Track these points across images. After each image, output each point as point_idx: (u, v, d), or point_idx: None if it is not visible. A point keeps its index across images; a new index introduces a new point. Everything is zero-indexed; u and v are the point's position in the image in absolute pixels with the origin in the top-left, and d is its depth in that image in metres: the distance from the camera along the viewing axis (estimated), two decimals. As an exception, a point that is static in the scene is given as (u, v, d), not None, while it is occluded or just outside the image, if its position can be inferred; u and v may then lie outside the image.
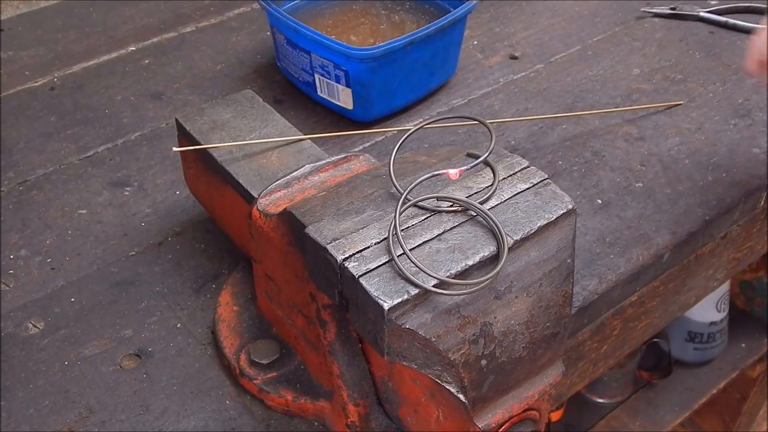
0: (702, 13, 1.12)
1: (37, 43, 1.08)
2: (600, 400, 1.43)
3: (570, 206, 0.60)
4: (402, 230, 0.56)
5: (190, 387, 0.68)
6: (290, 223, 0.60)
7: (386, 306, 0.52)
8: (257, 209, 0.65)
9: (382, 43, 0.89)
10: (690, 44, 1.08)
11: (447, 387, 0.55)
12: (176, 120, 0.75)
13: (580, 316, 0.75)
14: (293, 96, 0.98)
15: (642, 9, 1.14)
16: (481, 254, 0.56)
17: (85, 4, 1.16)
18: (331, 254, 0.55)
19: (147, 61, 1.05)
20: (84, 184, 0.87)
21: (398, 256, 0.54)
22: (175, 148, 0.74)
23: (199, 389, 0.68)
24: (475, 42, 1.08)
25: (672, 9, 1.13)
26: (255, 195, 0.67)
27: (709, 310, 1.43)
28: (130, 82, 1.01)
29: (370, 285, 0.53)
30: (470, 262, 0.55)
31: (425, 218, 0.57)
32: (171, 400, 0.67)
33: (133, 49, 1.07)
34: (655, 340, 1.40)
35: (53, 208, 0.84)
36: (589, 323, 0.77)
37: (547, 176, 0.62)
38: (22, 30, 1.11)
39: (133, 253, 0.79)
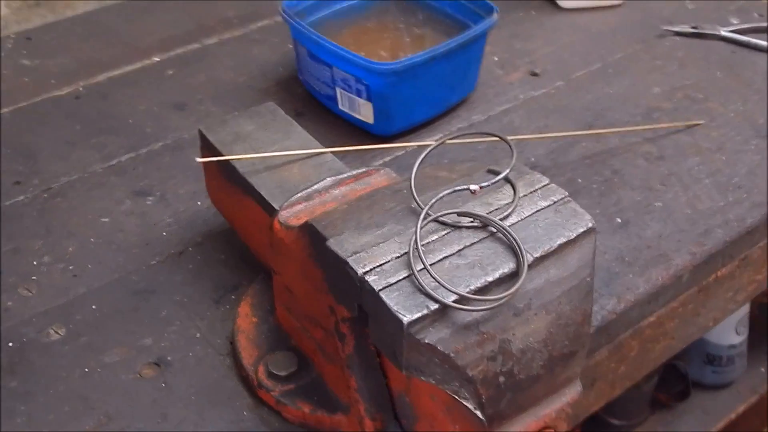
0: (723, 33, 1.12)
1: (63, 53, 1.09)
2: (617, 422, 1.41)
3: (590, 224, 0.60)
4: (422, 245, 0.56)
5: (209, 397, 0.68)
6: (311, 235, 0.60)
7: (405, 320, 0.52)
8: (278, 221, 0.65)
9: (403, 58, 0.90)
10: (711, 63, 1.08)
11: (464, 403, 0.55)
12: (199, 131, 0.76)
13: (598, 336, 0.75)
14: (314, 109, 0.99)
15: (663, 27, 1.14)
16: (501, 271, 0.56)
17: (111, 14, 1.17)
18: (351, 267, 0.55)
19: (170, 72, 1.06)
20: (107, 193, 0.88)
21: (418, 271, 0.54)
22: (198, 159, 0.74)
23: (217, 399, 0.68)
24: (496, 58, 1.08)
25: (693, 28, 1.13)
26: (276, 207, 0.67)
27: (728, 332, 1.42)
28: (153, 93, 1.02)
29: (389, 299, 0.53)
30: (490, 279, 0.55)
31: (445, 233, 0.58)
32: (189, 410, 0.67)
33: (157, 59, 1.08)
34: (674, 362, 1.39)
35: (76, 215, 0.85)
36: (606, 343, 0.77)
37: (567, 194, 0.62)
38: (48, 39, 1.12)
39: (154, 262, 0.80)
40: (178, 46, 1.10)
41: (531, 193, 0.62)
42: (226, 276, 0.79)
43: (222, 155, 0.73)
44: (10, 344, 0.72)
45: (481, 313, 0.55)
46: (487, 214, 0.59)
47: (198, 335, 0.73)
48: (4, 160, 0.92)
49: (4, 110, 0.99)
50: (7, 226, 0.84)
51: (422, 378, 0.55)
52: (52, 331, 0.73)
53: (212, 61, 1.08)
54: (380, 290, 0.54)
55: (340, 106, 0.95)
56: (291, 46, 1.03)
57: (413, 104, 0.93)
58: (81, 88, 1.03)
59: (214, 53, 1.09)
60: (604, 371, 0.80)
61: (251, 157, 0.72)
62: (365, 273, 0.55)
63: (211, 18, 1.16)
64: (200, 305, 0.76)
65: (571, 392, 0.62)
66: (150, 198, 0.87)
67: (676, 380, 1.43)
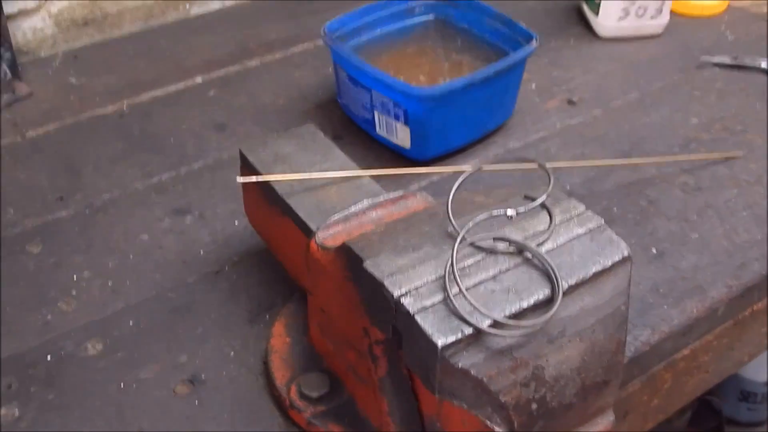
0: (763, 65, 1.11)
1: (109, 71, 1.12)
2: (648, 455, 1.40)
3: (626, 253, 0.60)
4: (458, 269, 0.56)
5: (241, 416, 0.69)
6: (347, 257, 0.61)
7: (440, 344, 0.53)
8: (315, 242, 0.66)
9: (442, 83, 0.91)
10: (750, 95, 1.07)
11: (496, 429, 0.55)
12: (240, 151, 0.77)
13: (631, 367, 0.74)
14: (352, 132, 1.00)
15: (702, 58, 1.13)
16: (536, 297, 0.56)
17: (156, 35, 1.20)
18: (387, 289, 0.56)
19: (212, 93, 1.08)
20: (147, 210, 0.89)
21: (454, 295, 0.55)
22: (239, 179, 0.76)
23: (249, 419, 0.69)
24: (533, 85, 1.09)
25: (733, 59, 1.12)
26: (313, 228, 0.68)
27: (764, 369, 1.40)
28: (195, 113, 1.04)
29: (424, 322, 0.54)
30: (525, 304, 0.55)
31: (481, 258, 0.58)
32: (221, 428, 0.68)
33: (200, 80, 1.10)
34: (708, 397, 1.37)
35: (117, 231, 0.87)
36: (640, 375, 0.77)
37: (603, 221, 0.62)
38: (95, 58, 1.15)
39: (191, 280, 0.81)
40: (221, 68, 1.13)
41: (567, 219, 0.62)
42: (261, 295, 0.79)
43: (261, 175, 0.74)
44: (49, 357, 0.73)
45: (516, 338, 0.55)
46: (523, 239, 0.59)
47: (232, 354, 0.74)
48: (48, 176, 0.94)
49: (50, 127, 1.02)
50: (50, 241, 0.85)
51: (455, 402, 0.55)
52: (89, 346, 0.74)
53: (253, 82, 1.10)
54: (415, 313, 0.54)
55: (378, 130, 0.96)
56: (331, 70, 1.04)
57: (450, 129, 0.94)
58: (125, 107, 1.05)
59: (256, 75, 1.11)
60: (637, 403, 0.79)
61: (290, 178, 0.73)
62: (401, 295, 0.55)
63: (253, 41, 1.18)
64: (235, 324, 0.77)
65: (604, 422, 0.61)
66: (189, 216, 0.89)
67: (710, 416, 1.41)
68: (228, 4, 1.28)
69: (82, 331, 0.76)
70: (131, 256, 0.84)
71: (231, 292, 0.80)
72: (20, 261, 0.83)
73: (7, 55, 1.06)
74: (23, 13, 1.12)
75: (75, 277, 0.81)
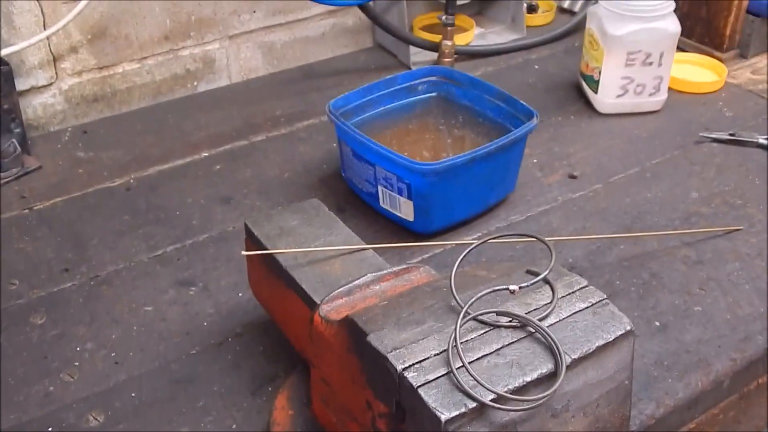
0: (761, 140, 1.13)
1: (117, 146, 1.14)
2: None
3: (628, 327, 0.60)
4: (461, 343, 0.57)
5: (242, 490, 0.68)
6: (351, 330, 0.61)
7: (443, 418, 0.52)
8: (319, 315, 0.66)
9: (445, 159, 0.92)
10: (749, 170, 1.08)
11: (501, 505, 0.54)
12: (245, 224, 0.78)
13: (636, 441, 0.73)
14: (355, 205, 1.01)
15: (701, 134, 1.15)
16: (539, 371, 0.56)
17: (164, 111, 1.23)
18: (391, 363, 0.56)
19: (218, 167, 1.10)
20: (152, 282, 0.90)
21: (457, 369, 0.55)
22: (243, 252, 0.76)
23: (250, 493, 0.68)
24: (535, 160, 1.11)
25: (731, 135, 1.14)
26: (317, 301, 0.68)
27: (771, 442, 1.38)
28: (201, 186, 1.06)
29: (428, 396, 0.54)
30: (528, 379, 0.56)
31: (484, 332, 0.58)
32: (222, 502, 0.67)
33: (206, 154, 1.12)
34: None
35: (121, 303, 0.87)
36: (645, 449, 0.76)
37: (605, 296, 0.62)
38: (104, 133, 1.17)
39: (194, 351, 0.81)
40: (227, 142, 1.15)
41: (569, 294, 0.62)
42: (264, 367, 0.79)
43: (266, 249, 0.75)
44: (50, 429, 0.73)
45: (519, 413, 0.55)
46: (526, 314, 0.59)
47: (234, 426, 0.73)
48: (54, 248, 0.95)
49: (58, 199, 1.03)
50: (54, 312, 0.86)
51: (458, 478, 0.54)
52: (91, 418, 0.74)
53: (259, 157, 1.12)
54: (419, 387, 0.54)
55: (381, 204, 0.97)
56: (335, 145, 1.06)
57: (453, 203, 0.95)
58: (132, 180, 1.07)
59: (262, 150, 1.13)
60: (643, 479, 0.78)
61: (294, 252, 0.74)
62: (404, 369, 0.55)
63: (259, 117, 1.21)
64: (237, 396, 0.76)
65: (610, 499, 0.61)
66: (193, 288, 0.89)
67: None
68: (235, 81, 1.31)
69: (84, 403, 0.75)
70: (135, 328, 0.84)
71: (234, 363, 0.80)
72: (23, 332, 0.83)
73: (17, 130, 1.08)
74: (35, 90, 1.15)
75: (78, 348, 0.81)
